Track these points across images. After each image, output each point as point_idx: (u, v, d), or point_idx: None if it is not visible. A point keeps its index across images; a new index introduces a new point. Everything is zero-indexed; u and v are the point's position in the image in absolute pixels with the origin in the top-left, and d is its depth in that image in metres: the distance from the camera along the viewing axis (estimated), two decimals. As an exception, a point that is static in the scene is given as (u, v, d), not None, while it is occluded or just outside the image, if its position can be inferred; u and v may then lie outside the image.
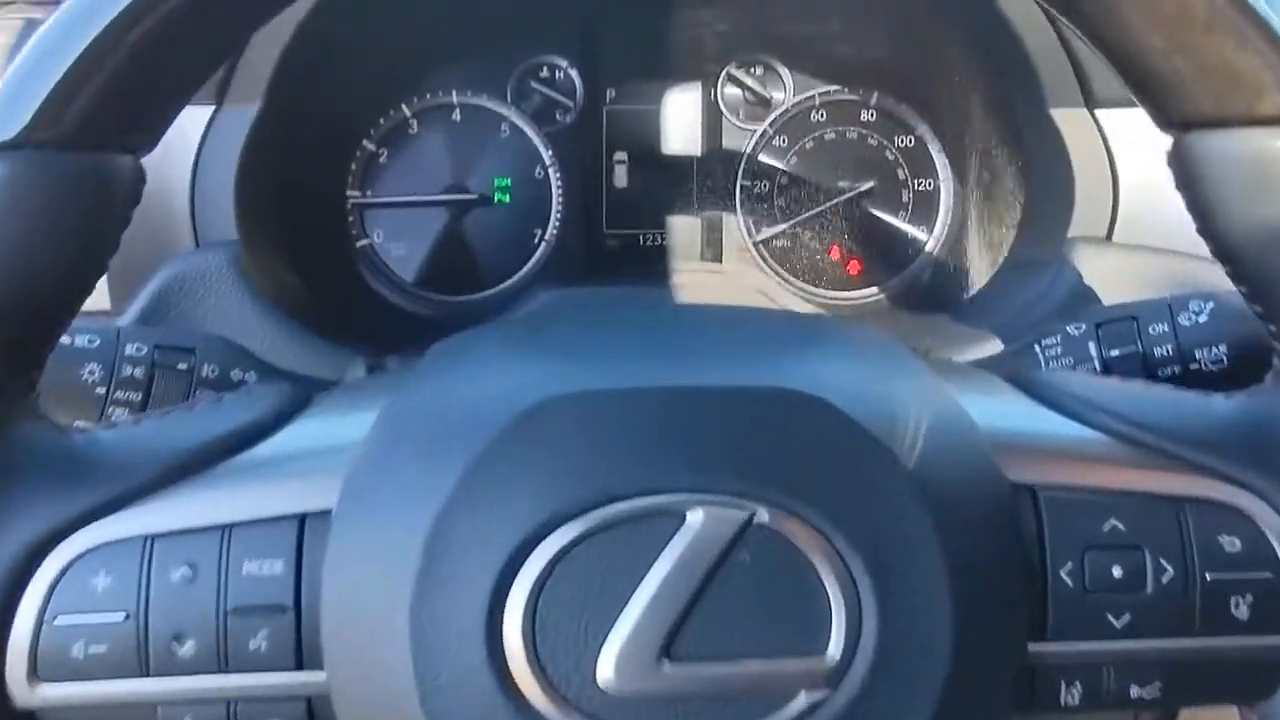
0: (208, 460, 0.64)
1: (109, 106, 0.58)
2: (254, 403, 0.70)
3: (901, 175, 1.63)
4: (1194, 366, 0.94)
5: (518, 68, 1.60)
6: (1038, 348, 1.02)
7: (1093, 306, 1.11)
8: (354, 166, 1.56)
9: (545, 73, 1.61)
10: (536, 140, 1.60)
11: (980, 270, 1.49)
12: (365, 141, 1.56)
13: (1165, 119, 0.66)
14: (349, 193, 1.56)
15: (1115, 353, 0.97)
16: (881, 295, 1.65)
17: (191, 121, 1.19)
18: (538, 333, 0.76)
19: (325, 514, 0.61)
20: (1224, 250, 0.65)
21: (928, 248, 1.64)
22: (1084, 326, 1.00)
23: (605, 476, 0.57)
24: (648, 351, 0.69)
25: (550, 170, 1.60)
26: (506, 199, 1.60)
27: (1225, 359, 0.93)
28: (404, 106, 1.57)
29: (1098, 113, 1.25)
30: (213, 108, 1.22)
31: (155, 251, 1.15)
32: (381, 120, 1.57)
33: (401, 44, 1.52)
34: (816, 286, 1.64)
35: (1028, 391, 0.75)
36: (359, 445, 0.64)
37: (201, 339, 0.91)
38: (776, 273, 1.64)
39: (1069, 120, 1.26)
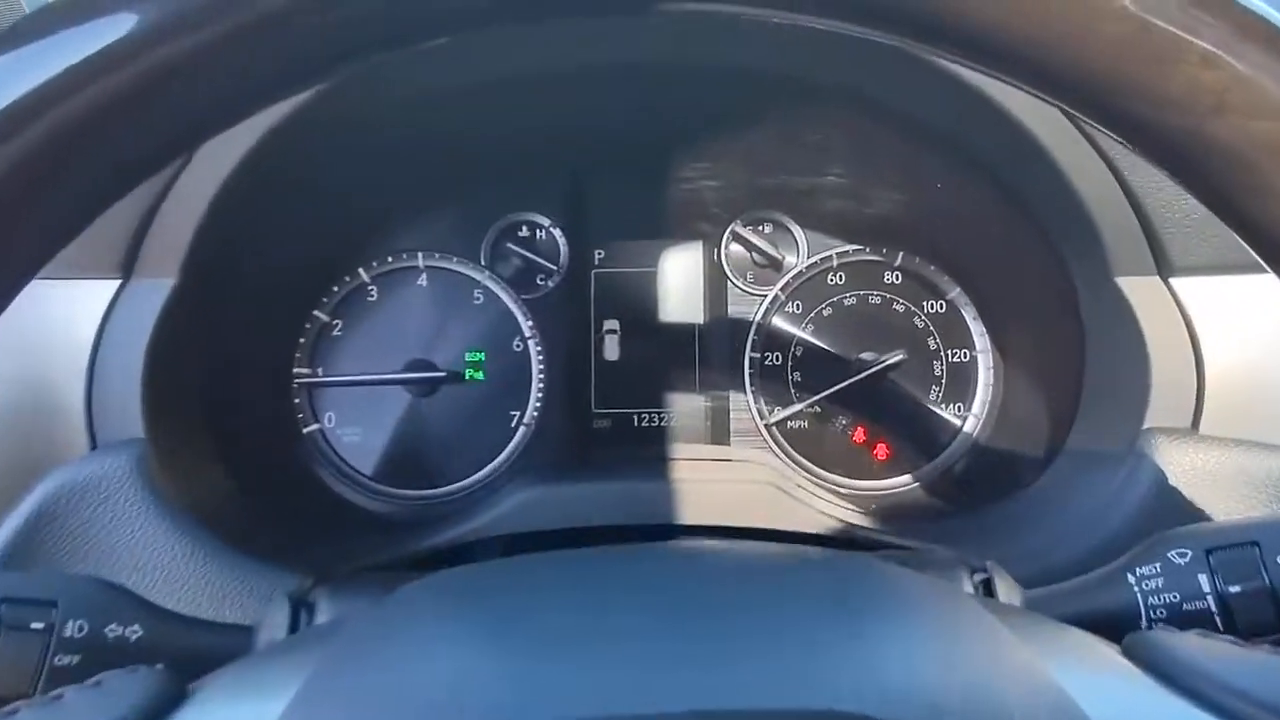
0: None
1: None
2: (103, 704, 0.54)
3: (933, 345, 1.51)
4: (1340, 607, 0.78)
5: (493, 227, 1.49)
6: (1131, 578, 0.85)
7: (1193, 524, 0.96)
8: (303, 340, 1.43)
9: (525, 232, 1.50)
10: (514, 308, 1.48)
11: (1033, 460, 1.34)
12: (316, 311, 1.44)
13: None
14: (296, 371, 1.43)
15: (1236, 589, 0.80)
16: (915, 484, 1.50)
17: (90, 299, 1.06)
18: (496, 602, 0.60)
19: None
20: None
21: (966, 429, 1.50)
22: (1189, 553, 0.84)
23: None
24: (638, 644, 0.52)
25: (530, 342, 1.48)
26: (480, 376, 1.47)
27: (1382, 599, 0.77)
28: (362, 271, 1.46)
29: (1174, 282, 1.12)
30: (118, 282, 1.08)
31: (38, 458, 1.00)
32: (336, 287, 1.45)
33: (358, 200, 1.40)
34: (839, 475, 1.50)
35: (1153, 670, 0.59)
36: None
37: (67, 585, 0.75)
38: (792, 460, 1.49)
39: (1139, 290, 1.13)
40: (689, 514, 1.26)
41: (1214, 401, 1.11)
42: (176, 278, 1.08)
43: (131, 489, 0.99)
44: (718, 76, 1.27)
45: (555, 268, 1.50)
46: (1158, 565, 0.85)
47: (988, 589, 0.90)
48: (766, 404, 1.51)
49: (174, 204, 1.08)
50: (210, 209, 1.09)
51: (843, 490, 1.48)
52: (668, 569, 0.67)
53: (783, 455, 1.49)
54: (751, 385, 1.51)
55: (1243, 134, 0.49)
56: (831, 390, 1.49)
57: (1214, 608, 0.81)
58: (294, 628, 0.80)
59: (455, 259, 1.48)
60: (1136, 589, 0.84)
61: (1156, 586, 0.84)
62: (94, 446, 1.05)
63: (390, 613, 0.61)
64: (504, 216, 1.50)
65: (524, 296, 1.49)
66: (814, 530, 1.26)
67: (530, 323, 1.48)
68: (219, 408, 1.20)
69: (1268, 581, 0.80)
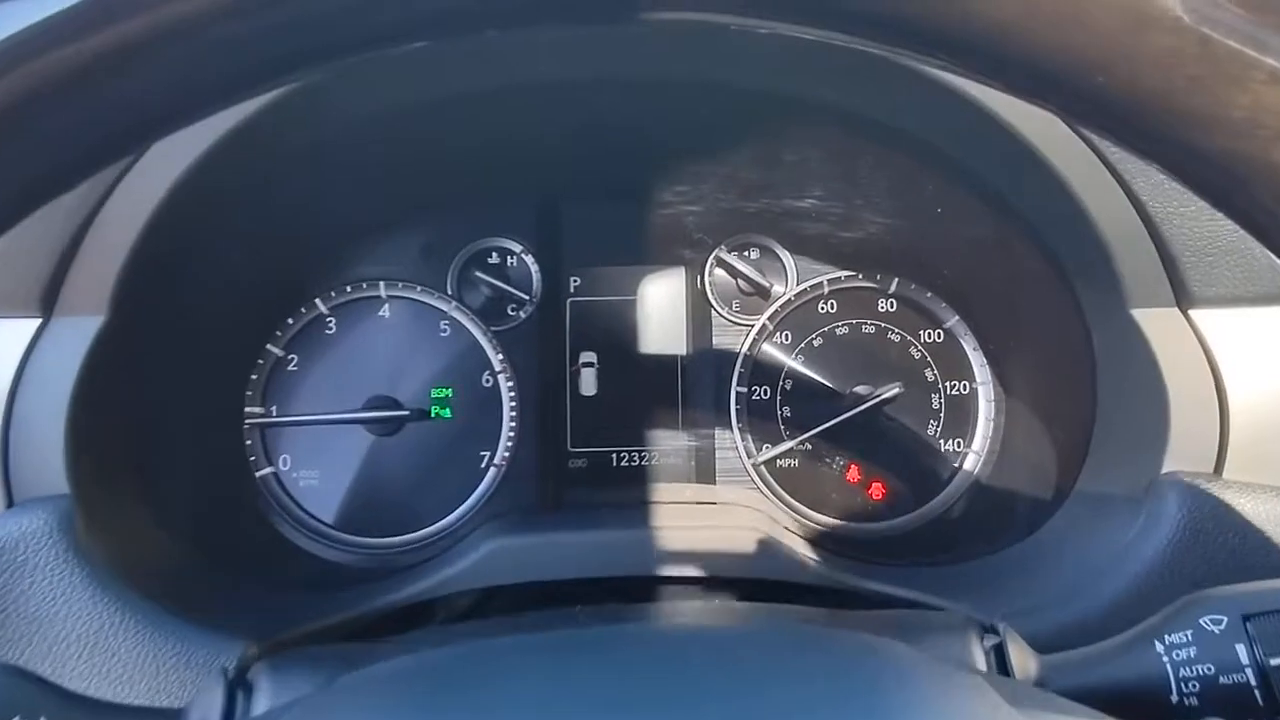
0: None
1: None
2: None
3: (930, 377, 1.45)
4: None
5: (460, 253, 1.43)
6: (1160, 646, 0.79)
7: (1225, 584, 0.89)
8: (255, 377, 1.37)
9: (494, 259, 1.44)
10: (483, 340, 1.42)
11: (1040, 502, 1.27)
12: (270, 345, 1.37)
13: None
14: (248, 410, 1.36)
15: (1278, 661, 0.74)
16: (913, 527, 1.43)
17: (6, 340, 0.98)
18: (441, 700, 0.53)
19: None
20: None
21: (966, 466, 1.44)
22: (1224, 619, 0.78)
23: None
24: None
25: (501, 377, 1.42)
26: (446, 413, 1.41)
27: None
28: (319, 301, 1.39)
29: (1194, 314, 1.05)
30: (38, 321, 1.00)
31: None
32: (290, 319, 1.38)
33: (314, 225, 1.34)
34: (832, 517, 1.43)
35: None
36: None
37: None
38: (782, 501, 1.43)
39: (1155, 322, 1.06)
40: (671, 565, 1.20)
41: (1239, 443, 1.04)
42: (105, 314, 1.01)
43: (52, 552, 0.91)
44: (698, 92, 1.21)
45: (527, 297, 1.44)
46: (1189, 633, 0.79)
47: (1000, 654, 0.84)
48: (754, 441, 1.45)
49: (101, 231, 1.01)
50: (143, 236, 1.02)
51: (836, 534, 1.42)
52: (642, 656, 0.60)
53: (772, 496, 1.43)
54: (738, 421, 1.45)
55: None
56: (823, 426, 1.43)
57: (1253, 681, 0.76)
58: (228, 713, 0.73)
59: (419, 288, 1.42)
60: (1166, 659, 0.79)
61: (1188, 656, 0.78)
62: (10, 504, 0.98)
63: (326, 704, 0.55)
64: (472, 242, 1.44)
65: (494, 328, 1.43)
66: (806, 581, 1.20)
67: (501, 356, 1.42)
68: (157, 456, 1.13)
69: (1314, 653, 0.74)
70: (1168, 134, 0.44)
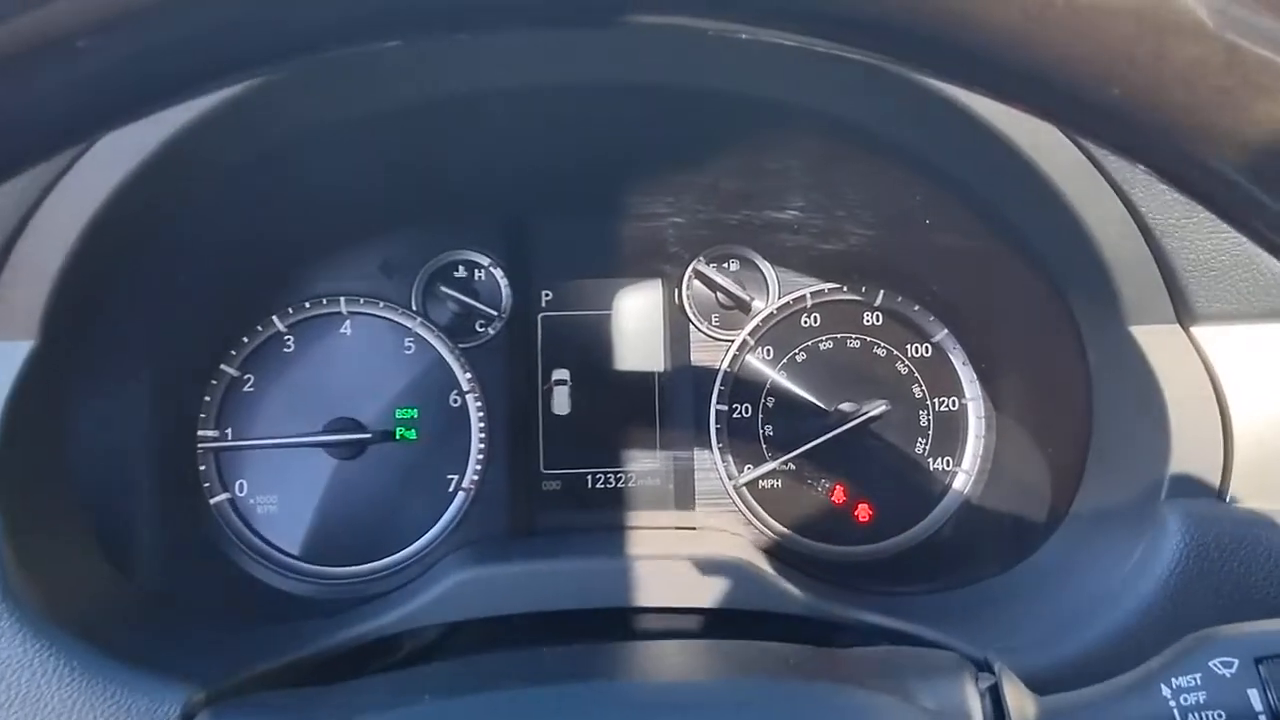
0: None
1: None
2: None
3: (918, 393, 1.42)
4: None
5: (425, 267, 1.39)
6: (1166, 690, 0.76)
7: (1233, 622, 0.86)
8: (209, 399, 1.32)
9: (461, 273, 1.40)
10: (450, 358, 1.38)
11: (1033, 525, 1.24)
12: (224, 365, 1.33)
13: None
14: (201, 434, 1.31)
15: (1293, 708, 0.71)
16: (901, 550, 1.40)
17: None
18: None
19: None
20: None
21: (955, 485, 1.40)
22: (1235, 662, 0.75)
23: None
24: None
25: (469, 396, 1.38)
26: (412, 435, 1.37)
27: None
28: (276, 319, 1.35)
29: (1196, 331, 1.02)
30: (-41, 343, 0.96)
31: None
32: (246, 337, 1.34)
33: (269, 238, 1.29)
34: (816, 541, 1.39)
35: None
36: None
37: None
38: (764, 524, 1.39)
39: (1155, 339, 1.03)
40: (648, 597, 1.15)
41: (1244, 466, 1.01)
42: (35, 339, 0.96)
43: None
44: (676, 99, 1.17)
45: (496, 312, 1.40)
46: (1197, 676, 0.76)
47: (995, 697, 0.81)
48: (735, 462, 1.41)
49: (29, 247, 0.96)
50: (75, 253, 0.97)
51: (821, 558, 1.38)
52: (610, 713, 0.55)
53: (754, 519, 1.40)
54: (718, 441, 1.41)
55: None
56: (807, 446, 1.40)
57: (1268, 733, 0.72)
58: None
59: (382, 304, 1.38)
60: (1173, 704, 0.76)
61: (1197, 702, 0.75)
62: None
63: None
64: (437, 256, 1.40)
65: (461, 345, 1.39)
66: (790, 610, 1.16)
67: (469, 374, 1.38)
68: (98, 487, 1.08)
69: (1331, 698, 0.71)
70: (1191, 151, 0.41)
